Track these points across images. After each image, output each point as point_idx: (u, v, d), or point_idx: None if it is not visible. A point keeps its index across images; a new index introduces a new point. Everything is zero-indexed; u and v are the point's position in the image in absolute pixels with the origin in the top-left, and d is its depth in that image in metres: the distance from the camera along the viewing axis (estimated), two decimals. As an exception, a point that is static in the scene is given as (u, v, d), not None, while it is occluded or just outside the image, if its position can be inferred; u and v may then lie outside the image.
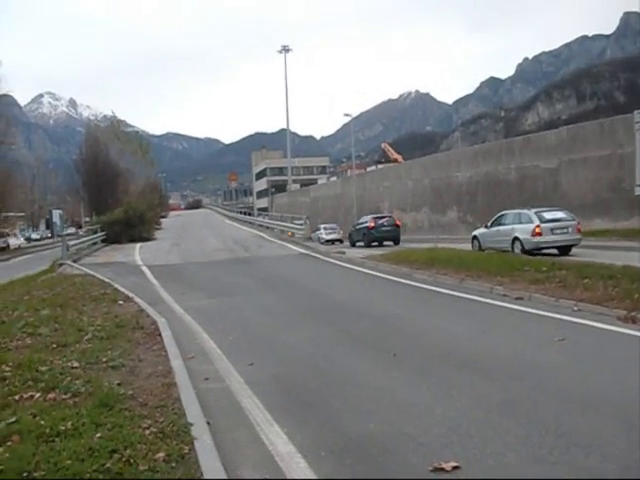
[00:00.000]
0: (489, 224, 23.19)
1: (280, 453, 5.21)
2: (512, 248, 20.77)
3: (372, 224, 34.00)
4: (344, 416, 6.10)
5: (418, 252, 20.76)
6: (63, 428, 5.34)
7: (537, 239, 20.09)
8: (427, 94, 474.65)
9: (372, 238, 33.67)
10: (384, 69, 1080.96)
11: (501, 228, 22.02)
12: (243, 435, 5.73)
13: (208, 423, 5.70)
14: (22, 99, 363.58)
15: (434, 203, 44.10)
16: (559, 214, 21.01)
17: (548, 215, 20.67)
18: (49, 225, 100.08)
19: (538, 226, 20.08)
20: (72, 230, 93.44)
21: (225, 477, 4.57)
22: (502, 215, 22.62)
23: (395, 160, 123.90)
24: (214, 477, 4.50)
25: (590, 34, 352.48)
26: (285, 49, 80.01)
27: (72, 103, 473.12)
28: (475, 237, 23.96)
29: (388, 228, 34.09)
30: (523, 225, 20.78)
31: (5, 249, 59.57)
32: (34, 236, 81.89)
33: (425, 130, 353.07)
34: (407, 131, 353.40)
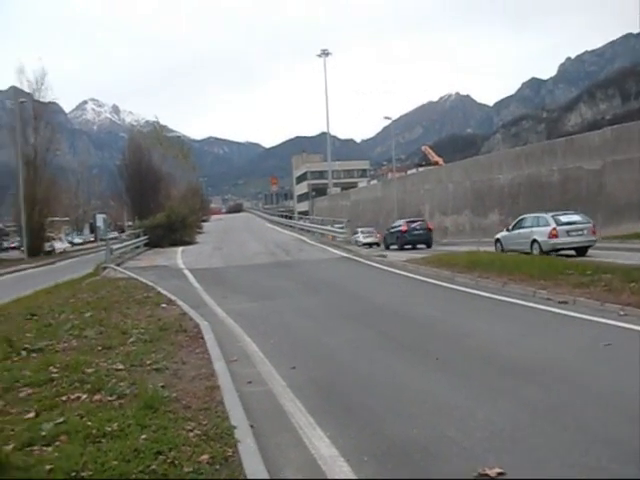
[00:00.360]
0: (510, 227, 24.21)
1: (323, 457, 5.22)
2: (531, 249, 21.64)
3: (405, 228, 35.37)
4: (386, 419, 6.10)
5: (459, 255, 20.63)
6: (109, 429, 5.43)
7: (553, 241, 21.00)
8: (467, 96, 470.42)
9: (405, 241, 34.98)
10: (424, 71, 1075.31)
11: (521, 231, 23.02)
12: (286, 438, 5.76)
13: (251, 426, 5.74)
14: (67, 106, 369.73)
15: (475, 206, 43.70)
16: (575, 217, 21.88)
17: (564, 218, 21.57)
18: (93, 229, 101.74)
19: (554, 229, 21.07)
20: (115, 234, 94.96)
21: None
22: (522, 219, 23.62)
23: (436, 163, 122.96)
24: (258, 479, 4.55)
25: (635, 32, 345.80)
26: (324, 53, 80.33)
27: (115, 109, 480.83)
28: (498, 240, 24.83)
29: (420, 232, 35.36)
30: (541, 228, 21.75)
31: (51, 253, 60.68)
32: (76, 240, 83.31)
33: (466, 132, 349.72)
34: (447, 133, 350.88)
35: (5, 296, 22.36)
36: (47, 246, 61.76)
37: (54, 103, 68.23)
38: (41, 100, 62.11)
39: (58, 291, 20.81)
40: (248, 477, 4.56)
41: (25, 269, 43.11)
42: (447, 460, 5.02)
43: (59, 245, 67.91)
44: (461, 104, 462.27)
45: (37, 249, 56.18)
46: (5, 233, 66.05)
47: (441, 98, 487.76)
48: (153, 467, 4.63)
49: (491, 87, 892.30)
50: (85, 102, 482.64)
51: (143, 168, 69.63)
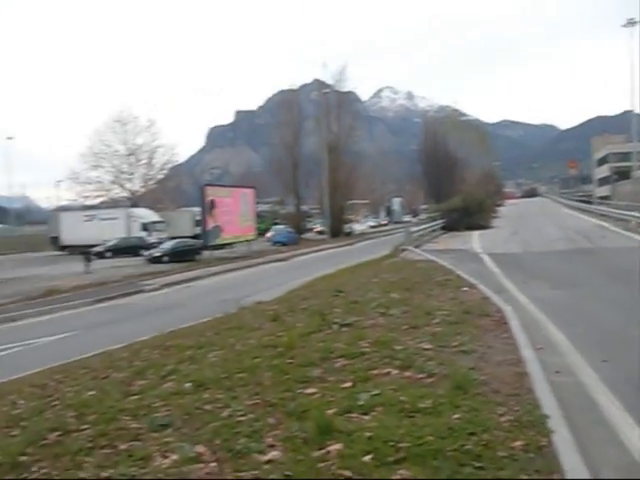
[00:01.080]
0: None
1: (646, 460, 4.85)
2: None
3: None
4: None
5: None
6: (422, 406, 5.57)
7: None
8: None
9: None
10: None
11: None
12: (601, 434, 5.47)
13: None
14: (364, 95, 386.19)
15: None
16: None
17: None
18: (389, 212, 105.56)
19: None
20: (408, 218, 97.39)
21: (588, 477, 4.39)
22: None
23: None
24: (577, 476, 4.34)
25: None
26: (630, 22, 73.95)
27: (409, 96, 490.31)
28: None
29: None
30: None
31: (350, 234, 64.07)
32: (370, 223, 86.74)
33: None
34: None
35: (314, 272, 24.14)
36: (346, 228, 65.23)
37: (352, 92, 71.60)
38: (341, 90, 65.68)
39: (360, 270, 21.91)
40: (567, 472, 4.37)
41: (327, 249, 46.04)
42: None
43: (357, 227, 71.40)
44: None
45: (337, 230, 59.76)
46: (309, 215, 71.06)
47: None
48: (468, 447, 4.66)
49: None
50: (381, 90, 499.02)
51: (439, 153, 70.51)
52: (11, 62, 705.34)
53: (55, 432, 5.95)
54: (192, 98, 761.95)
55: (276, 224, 64.30)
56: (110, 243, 47.76)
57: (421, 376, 6.64)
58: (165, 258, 38.40)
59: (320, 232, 63.57)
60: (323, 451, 4.74)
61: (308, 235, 62.57)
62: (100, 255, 45.12)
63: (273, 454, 4.78)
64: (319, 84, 68.98)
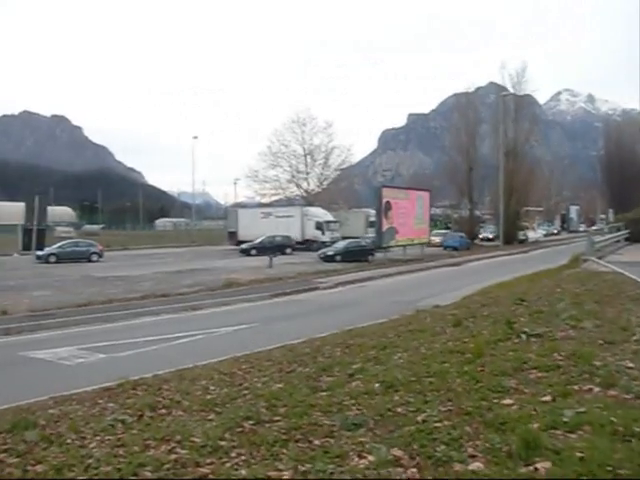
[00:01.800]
0: None
1: None
2: None
3: None
4: None
5: None
6: (638, 430, 5.12)
7: None
8: None
9: None
10: None
11: None
12: None
13: None
14: (541, 98, 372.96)
15: None
16: None
17: None
18: (564, 220, 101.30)
19: None
20: (583, 227, 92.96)
21: None
22: None
23: None
24: None
25: None
26: None
27: (590, 99, 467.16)
28: None
29: None
30: None
31: (524, 242, 62.12)
32: (541, 231, 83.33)
33: None
34: None
35: (488, 279, 23.57)
36: (521, 234, 63.32)
37: (529, 95, 69.43)
38: (519, 93, 63.92)
39: (539, 279, 21.11)
40: None
41: (500, 256, 44.92)
42: None
43: (532, 234, 69.14)
44: None
45: (511, 237, 58.11)
46: (482, 220, 69.62)
47: None
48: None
49: None
50: (559, 93, 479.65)
51: (624, 159, 66.61)
52: (193, 66, 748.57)
53: (249, 421, 6.09)
54: (365, 101, 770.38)
55: (448, 228, 63.65)
56: (257, 241, 49.50)
57: (628, 397, 6.13)
58: (338, 257, 39.10)
59: (489, 239, 62.13)
60: (530, 468, 4.47)
61: (480, 242, 61.31)
62: (246, 252, 47.10)
63: (476, 465, 4.58)
64: (496, 87, 67.61)
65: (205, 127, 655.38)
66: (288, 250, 46.03)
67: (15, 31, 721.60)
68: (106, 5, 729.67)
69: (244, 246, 49.72)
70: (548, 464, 4.49)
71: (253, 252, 47.28)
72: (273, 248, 44.71)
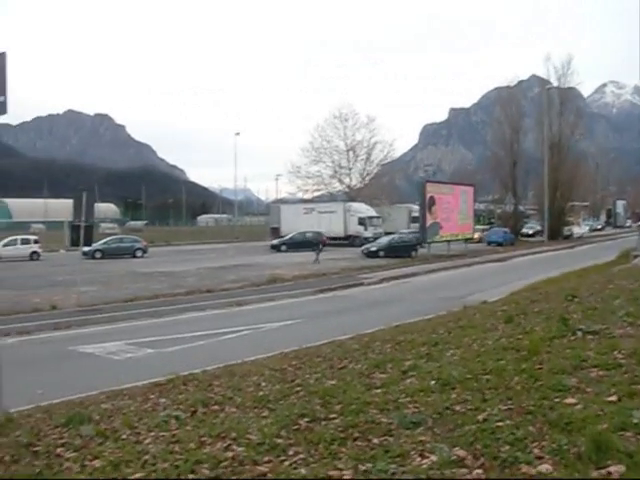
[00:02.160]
0: None
1: None
2: None
3: None
4: None
5: None
6: None
7: None
8: None
9: None
10: None
11: None
12: None
13: None
14: (585, 90, 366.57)
15: None
16: None
17: None
18: (609, 215, 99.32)
19: None
20: (629, 222, 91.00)
21: None
22: None
23: None
24: None
25: None
26: None
27: (637, 90, 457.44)
28: None
29: None
30: None
31: (569, 237, 61.11)
32: (584, 227, 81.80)
33: None
34: None
35: (534, 275, 23.20)
36: (566, 230, 62.30)
37: (573, 88, 68.25)
38: (564, 86, 62.88)
39: (588, 275, 20.68)
40: None
41: (545, 251, 44.30)
42: None
43: (577, 230, 68.01)
44: None
45: (556, 232, 57.19)
46: (526, 215, 68.64)
47: None
48: None
49: None
50: (604, 85, 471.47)
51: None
52: (241, 65, 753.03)
53: (304, 418, 5.99)
54: (407, 96, 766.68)
55: (491, 224, 62.92)
56: (287, 237, 49.57)
57: None
58: (381, 253, 38.90)
59: (529, 235, 61.18)
60: (603, 471, 4.27)
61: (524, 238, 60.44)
62: (277, 248, 47.19)
63: (544, 467, 4.40)
64: (539, 81, 66.58)
65: (247, 124, 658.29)
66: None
67: (58, 34, 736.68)
68: (150, 3, 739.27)
69: (274, 242, 50.02)
70: (622, 467, 4.28)
71: (283, 248, 47.48)
72: (304, 244, 44.77)
